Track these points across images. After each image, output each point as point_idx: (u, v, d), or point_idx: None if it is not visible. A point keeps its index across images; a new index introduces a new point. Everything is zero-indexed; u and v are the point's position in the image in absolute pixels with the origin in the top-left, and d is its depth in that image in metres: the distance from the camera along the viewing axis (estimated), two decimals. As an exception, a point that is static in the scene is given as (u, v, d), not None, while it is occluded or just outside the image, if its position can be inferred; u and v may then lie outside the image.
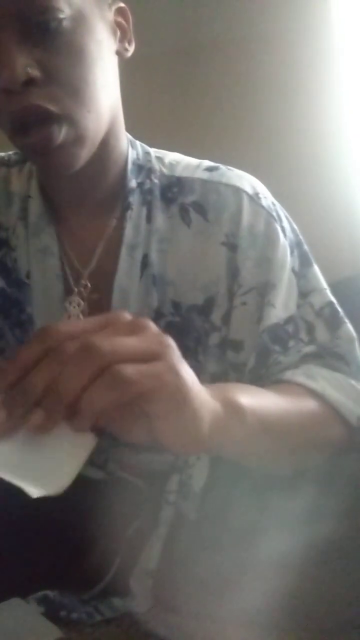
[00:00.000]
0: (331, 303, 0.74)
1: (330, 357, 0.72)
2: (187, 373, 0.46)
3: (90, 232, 0.72)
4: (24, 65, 0.57)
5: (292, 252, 0.73)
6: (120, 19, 0.67)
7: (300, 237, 0.76)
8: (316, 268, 0.76)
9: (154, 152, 0.76)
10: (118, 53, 0.67)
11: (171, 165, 0.75)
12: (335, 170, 1.77)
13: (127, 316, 0.46)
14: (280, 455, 0.61)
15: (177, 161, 0.75)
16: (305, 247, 0.76)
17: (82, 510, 0.70)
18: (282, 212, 0.75)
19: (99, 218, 0.72)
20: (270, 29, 1.75)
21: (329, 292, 0.75)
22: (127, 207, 0.71)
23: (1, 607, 0.67)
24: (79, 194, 0.71)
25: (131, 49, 0.68)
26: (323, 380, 0.67)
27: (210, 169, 0.74)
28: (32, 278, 0.73)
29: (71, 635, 0.67)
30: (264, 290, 0.71)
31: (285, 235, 0.73)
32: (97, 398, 0.41)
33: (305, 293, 0.73)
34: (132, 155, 0.73)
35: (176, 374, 0.44)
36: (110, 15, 0.65)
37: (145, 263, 0.71)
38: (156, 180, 0.73)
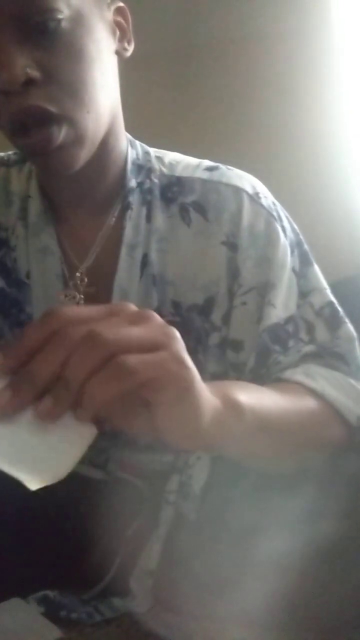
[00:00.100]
0: (331, 303, 0.74)
1: (330, 356, 0.72)
2: (189, 366, 0.46)
3: (90, 232, 0.72)
4: (24, 66, 0.57)
5: (292, 252, 0.73)
6: (119, 19, 0.67)
7: (301, 236, 0.76)
8: (316, 268, 0.76)
9: (153, 151, 0.76)
10: (117, 53, 0.67)
11: (171, 165, 0.75)
12: (335, 170, 1.77)
13: (132, 307, 0.46)
14: (279, 454, 0.61)
15: (177, 161, 0.75)
16: (306, 246, 0.76)
17: (82, 510, 0.70)
18: (283, 212, 0.75)
19: (99, 218, 0.72)
20: (270, 29, 1.75)
21: (329, 291, 0.75)
22: (126, 206, 0.71)
23: (1, 607, 0.67)
24: (78, 193, 0.71)
25: (130, 49, 0.68)
26: (322, 379, 0.67)
27: (210, 169, 0.74)
28: (32, 278, 0.73)
29: (71, 635, 0.67)
30: (264, 290, 0.70)
31: (285, 235, 0.73)
32: (101, 389, 0.42)
33: (305, 293, 0.73)
34: (131, 155, 0.73)
35: (180, 363, 0.45)
36: (110, 14, 0.65)
37: (145, 263, 0.71)
38: (156, 180, 0.73)
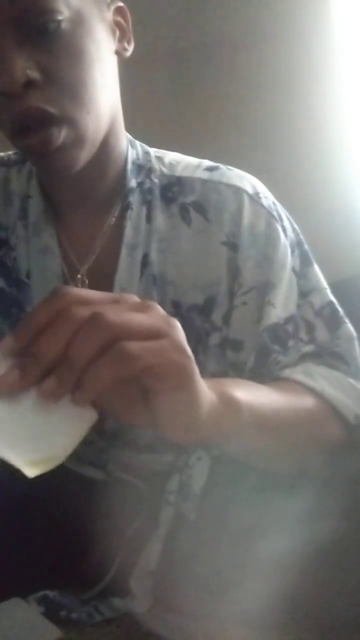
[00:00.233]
0: (331, 303, 0.74)
1: (329, 356, 0.72)
2: (190, 355, 0.46)
3: (90, 232, 0.72)
4: (24, 67, 0.57)
5: (292, 252, 0.73)
6: (119, 19, 0.67)
7: (301, 236, 0.76)
8: (316, 268, 0.76)
9: (153, 151, 0.76)
10: (117, 53, 0.67)
11: (171, 165, 0.75)
12: (335, 170, 1.77)
13: (135, 297, 0.46)
14: (277, 452, 0.61)
15: (177, 161, 0.75)
16: (306, 246, 0.76)
17: (82, 510, 0.70)
18: (283, 212, 0.75)
19: (99, 218, 0.72)
20: (270, 29, 1.75)
21: (329, 291, 0.75)
22: (127, 206, 0.71)
23: (1, 607, 0.68)
24: (79, 193, 0.71)
25: (130, 49, 0.68)
26: (321, 378, 0.67)
27: (210, 169, 0.74)
28: (32, 278, 0.73)
29: (71, 635, 0.67)
30: (264, 290, 0.71)
31: (286, 234, 0.73)
32: (101, 372, 0.42)
33: (305, 293, 0.73)
34: (131, 155, 0.73)
35: (181, 352, 0.45)
36: (109, 14, 0.65)
37: (145, 263, 0.71)
38: (156, 180, 0.73)
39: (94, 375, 0.42)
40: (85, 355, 0.42)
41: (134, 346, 0.42)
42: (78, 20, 0.59)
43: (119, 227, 0.71)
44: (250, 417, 0.54)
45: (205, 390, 0.50)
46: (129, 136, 0.74)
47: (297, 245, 0.75)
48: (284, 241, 0.72)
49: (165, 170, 0.74)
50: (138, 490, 0.75)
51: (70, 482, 0.78)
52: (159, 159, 0.75)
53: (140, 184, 0.72)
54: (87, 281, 0.72)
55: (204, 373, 0.49)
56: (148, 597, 0.69)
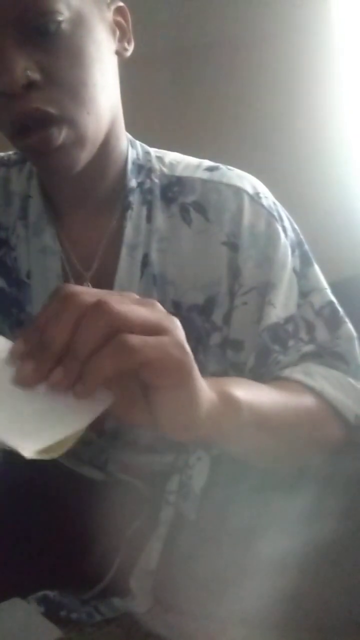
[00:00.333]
0: (331, 303, 0.74)
1: (329, 356, 0.72)
2: (189, 352, 0.47)
3: (90, 232, 0.72)
4: (24, 68, 0.57)
5: (293, 252, 0.73)
6: (119, 19, 0.67)
7: (301, 236, 0.76)
8: (317, 268, 0.76)
9: (154, 151, 0.76)
10: (117, 53, 0.67)
11: (171, 165, 0.75)
12: (335, 170, 1.77)
13: (136, 296, 0.47)
14: (277, 452, 0.61)
15: (178, 161, 0.75)
16: (306, 246, 0.76)
17: (82, 511, 0.70)
18: (283, 212, 0.75)
19: (100, 218, 0.72)
20: (270, 29, 1.75)
21: (329, 291, 0.75)
22: (127, 206, 0.71)
23: (1, 607, 0.67)
24: (79, 193, 0.71)
25: (130, 49, 0.68)
26: (321, 378, 0.67)
27: (210, 169, 0.74)
28: (33, 278, 0.73)
29: (71, 635, 0.67)
30: (265, 290, 0.71)
31: (286, 235, 0.73)
32: (101, 364, 0.42)
33: (305, 293, 0.73)
34: (132, 155, 0.73)
35: (181, 349, 0.46)
36: (110, 15, 0.65)
37: (145, 263, 0.71)
38: (156, 180, 0.73)
39: (95, 366, 0.42)
40: (89, 344, 0.42)
41: (135, 339, 0.43)
42: (78, 20, 0.59)
43: (119, 228, 0.71)
44: (250, 416, 0.55)
45: (205, 388, 0.50)
46: (129, 136, 0.74)
47: (297, 245, 0.75)
48: (284, 241, 0.72)
49: (165, 170, 0.74)
50: (138, 490, 0.75)
51: (70, 482, 0.78)
52: (159, 159, 0.75)
53: (140, 184, 0.72)
54: (90, 286, 0.72)
55: (204, 373, 0.49)
56: (148, 597, 0.69)
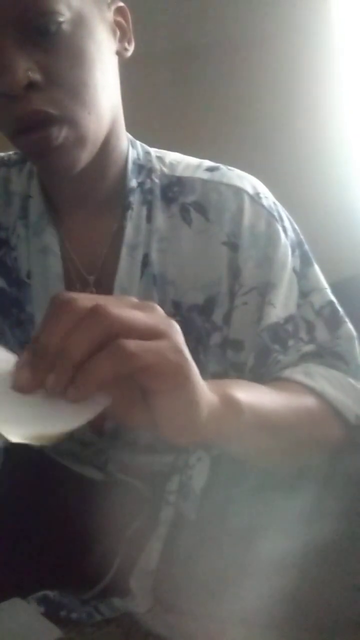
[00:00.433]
0: (331, 302, 0.74)
1: (329, 356, 0.72)
2: (188, 357, 0.46)
3: (91, 232, 0.72)
4: (25, 69, 0.57)
5: (293, 252, 0.73)
6: (119, 19, 0.67)
7: (301, 236, 0.76)
8: (317, 268, 0.76)
9: (154, 151, 0.76)
10: (118, 53, 0.67)
11: (172, 165, 0.75)
12: (335, 170, 1.77)
13: (135, 299, 0.47)
14: (277, 452, 0.61)
15: (178, 161, 0.75)
16: (306, 246, 0.76)
17: (82, 511, 0.70)
18: (283, 212, 0.75)
19: (100, 218, 0.72)
20: (270, 29, 1.75)
21: (329, 291, 0.75)
22: (127, 206, 0.71)
23: (1, 607, 0.67)
24: (79, 193, 0.71)
25: (131, 49, 0.68)
26: (322, 378, 0.67)
27: (211, 169, 0.74)
28: (33, 277, 0.73)
29: (71, 635, 0.67)
30: (265, 290, 0.71)
31: (286, 235, 0.73)
32: (98, 368, 0.42)
33: (305, 293, 0.73)
34: (132, 155, 0.73)
35: (179, 353, 0.45)
36: (110, 15, 0.65)
37: (145, 263, 0.71)
38: (157, 180, 0.73)
39: (90, 370, 0.42)
40: (82, 347, 0.42)
41: (132, 344, 0.42)
42: (79, 21, 0.59)
43: (120, 227, 0.71)
44: (252, 418, 0.54)
45: (205, 392, 0.49)
46: (130, 136, 0.74)
47: (297, 245, 0.75)
48: (285, 241, 0.72)
49: (165, 170, 0.74)
50: (138, 490, 0.75)
51: (70, 482, 0.78)
52: (160, 159, 0.75)
53: (140, 184, 0.72)
54: (94, 291, 0.72)
55: (204, 373, 0.49)
56: (148, 597, 0.69)
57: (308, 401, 0.64)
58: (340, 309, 0.75)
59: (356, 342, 0.74)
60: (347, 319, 0.75)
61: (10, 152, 0.78)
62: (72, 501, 0.73)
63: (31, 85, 0.57)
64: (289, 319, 0.71)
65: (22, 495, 0.76)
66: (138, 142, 0.76)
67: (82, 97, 0.60)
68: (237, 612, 0.60)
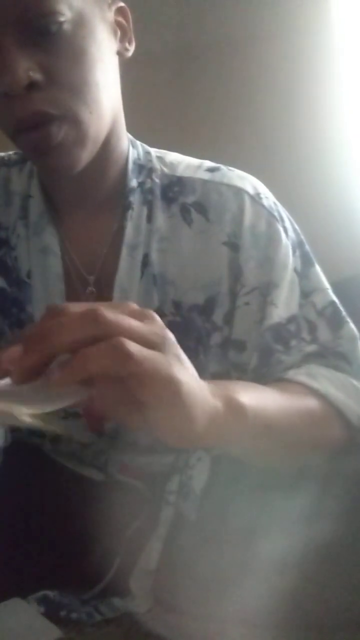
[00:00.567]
0: (333, 303, 0.74)
1: (332, 356, 0.72)
2: (183, 370, 0.45)
3: (91, 232, 0.72)
4: (26, 69, 0.57)
5: (294, 252, 0.73)
6: (120, 19, 0.67)
7: (302, 237, 0.76)
8: (318, 268, 0.76)
9: (154, 151, 0.76)
10: (119, 53, 0.67)
11: (172, 165, 0.75)
12: (335, 170, 1.77)
13: (135, 306, 0.46)
14: (279, 453, 0.61)
15: (178, 161, 0.75)
16: (307, 247, 0.76)
17: (82, 511, 0.70)
18: (284, 213, 0.75)
19: (100, 217, 0.72)
20: (270, 29, 1.75)
21: (331, 291, 0.75)
22: (127, 206, 0.71)
23: (1, 607, 0.67)
24: (79, 193, 0.71)
25: (131, 49, 0.68)
26: (325, 380, 0.67)
27: (211, 170, 0.74)
28: (33, 277, 0.73)
29: (71, 635, 0.67)
30: (266, 290, 0.71)
31: (287, 235, 0.73)
32: (93, 359, 0.41)
33: (307, 293, 0.73)
34: (132, 154, 0.73)
35: (172, 367, 0.44)
36: (111, 15, 0.65)
37: (145, 263, 0.71)
38: (157, 180, 0.73)
39: (85, 358, 0.41)
40: (71, 336, 0.41)
41: (133, 346, 0.41)
42: (80, 21, 0.59)
43: (120, 227, 0.71)
44: (255, 422, 0.54)
45: (204, 400, 0.48)
46: (130, 136, 0.74)
47: (298, 245, 0.75)
48: (285, 241, 0.72)
49: (166, 170, 0.74)
50: (138, 490, 0.75)
51: (70, 483, 0.78)
52: (160, 158, 0.75)
53: (141, 184, 0.72)
54: (94, 290, 0.72)
55: (204, 373, 0.49)
56: (148, 597, 0.69)
57: (311, 402, 0.64)
58: (342, 309, 0.75)
59: (358, 342, 0.74)
60: (349, 319, 0.74)
61: (11, 152, 0.78)
62: (72, 501, 0.73)
63: (32, 85, 0.57)
64: (291, 319, 0.71)
65: (22, 495, 0.76)
66: (138, 142, 0.76)
67: (83, 97, 0.60)
68: (237, 612, 0.60)
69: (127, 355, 0.41)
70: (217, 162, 0.76)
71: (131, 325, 0.43)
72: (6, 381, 0.44)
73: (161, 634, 0.66)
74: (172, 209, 0.72)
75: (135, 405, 0.45)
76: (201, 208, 0.72)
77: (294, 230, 0.76)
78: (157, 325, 0.45)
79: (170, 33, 1.79)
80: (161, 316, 0.72)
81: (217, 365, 0.72)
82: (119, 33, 0.66)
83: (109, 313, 0.42)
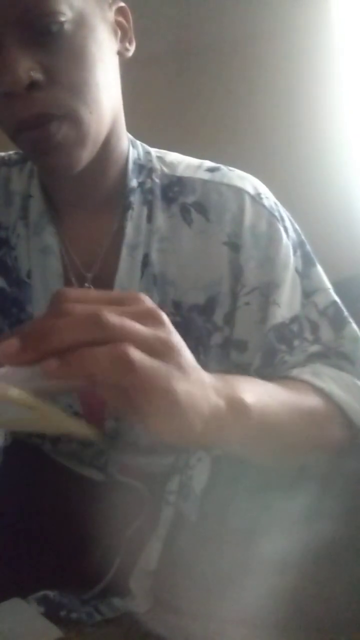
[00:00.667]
0: (335, 303, 0.74)
1: (335, 356, 0.72)
2: (183, 379, 0.44)
3: (91, 232, 0.72)
4: (27, 68, 0.57)
5: (294, 252, 0.73)
6: (120, 19, 0.67)
7: (303, 237, 0.76)
8: (319, 268, 0.76)
9: (154, 151, 0.76)
10: (119, 53, 0.67)
11: (172, 165, 0.75)
12: (335, 170, 1.77)
13: (148, 301, 0.44)
14: (280, 452, 0.61)
15: (179, 161, 0.75)
16: (308, 247, 0.76)
17: (82, 511, 0.70)
18: (284, 213, 0.75)
19: (100, 217, 0.72)
20: (270, 29, 1.75)
21: (333, 291, 0.75)
22: (127, 206, 0.71)
23: (1, 607, 0.67)
24: (80, 193, 0.71)
25: (132, 49, 0.68)
26: (329, 379, 0.67)
27: (211, 170, 0.74)
28: (33, 277, 0.73)
29: (71, 635, 0.67)
30: (268, 290, 0.71)
31: (287, 235, 0.73)
32: (93, 361, 0.40)
33: (309, 293, 0.73)
34: (133, 154, 0.73)
35: (170, 379, 0.43)
36: (111, 15, 0.65)
37: (145, 263, 0.71)
38: (157, 180, 0.73)
39: (84, 357, 0.40)
40: (71, 336, 0.40)
41: (137, 355, 0.41)
42: (80, 21, 0.59)
43: (120, 227, 0.71)
44: (258, 421, 0.53)
45: (204, 405, 0.47)
46: (130, 136, 0.74)
47: (299, 245, 0.75)
48: (286, 241, 0.72)
49: (166, 170, 0.74)
50: (138, 491, 0.75)
51: (70, 483, 0.78)
52: (160, 158, 0.75)
53: (141, 184, 0.72)
54: (91, 285, 0.72)
55: None
56: (148, 597, 0.69)
57: (314, 401, 0.64)
58: (344, 309, 0.74)
59: None
60: (351, 320, 0.74)
61: (11, 152, 0.78)
62: (72, 501, 0.73)
63: (33, 85, 0.57)
64: (294, 319, 0.71)
65: (22, 495, 0.76)
66: (138, 142, 0.76)
67: (83, 97, 0.60)
68: (237, 612, 0.60)
69: (129, 364, 0.40)
70: (217, 162, 0.76)
71: (136, 331, 0.42)
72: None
73: (161, 634, 0.66)
74: (172, 209, 0.72)
75: (133, 406, 0.45)
76: (201, 208, 0.72)
77: (295, 230, 0.76)
78: (163, 329, 0.44)
79: (170, 33, 1.79)
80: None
81: (218, 366, 0.72)
82: (119, 33, 0.66)
83: (114, 317, 0.41)
